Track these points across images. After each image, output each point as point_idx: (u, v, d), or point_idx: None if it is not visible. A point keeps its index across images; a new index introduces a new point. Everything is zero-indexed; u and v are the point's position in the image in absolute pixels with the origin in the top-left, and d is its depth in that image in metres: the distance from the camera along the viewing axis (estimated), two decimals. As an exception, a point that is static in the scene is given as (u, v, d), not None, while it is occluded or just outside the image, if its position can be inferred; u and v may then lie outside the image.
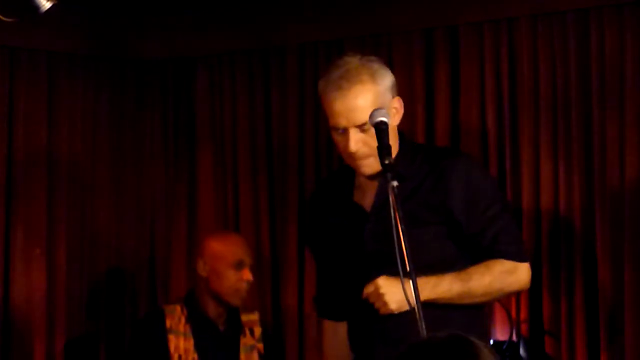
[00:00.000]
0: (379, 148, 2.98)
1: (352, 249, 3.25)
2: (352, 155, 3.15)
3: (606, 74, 4.41)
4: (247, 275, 4.31)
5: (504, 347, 4.42)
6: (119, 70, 5.42)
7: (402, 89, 4.85)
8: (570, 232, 4.47)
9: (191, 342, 4.28)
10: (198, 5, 5.31)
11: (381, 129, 3.02)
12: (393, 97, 3.21)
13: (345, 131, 3.14)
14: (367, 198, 3.25)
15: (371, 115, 3.05)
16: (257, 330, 4.43)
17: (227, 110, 5.35)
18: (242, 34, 5.31)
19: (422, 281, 3.05)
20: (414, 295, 2.81)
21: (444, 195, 3.17)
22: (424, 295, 3.04)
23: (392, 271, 2.93)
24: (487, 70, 4.68)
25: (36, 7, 3.61)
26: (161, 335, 4.26)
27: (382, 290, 3.07)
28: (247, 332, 4.41)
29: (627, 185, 4.35)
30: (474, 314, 3.24)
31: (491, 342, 4.38)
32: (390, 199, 2.86)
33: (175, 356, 4.24)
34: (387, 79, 3.20)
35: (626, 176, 4.35)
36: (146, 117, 5.49)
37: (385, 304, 3.08)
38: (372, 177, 3.21)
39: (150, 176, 5.47)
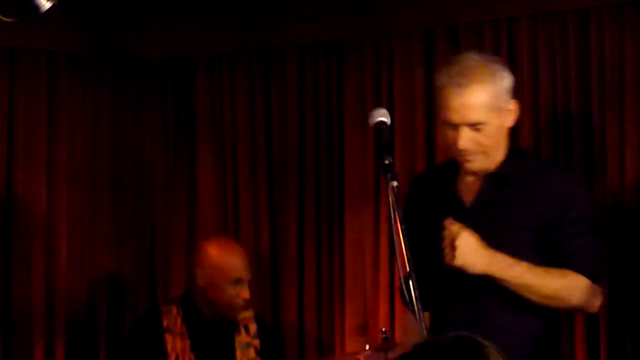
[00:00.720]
0: (377, 148, 2.99)
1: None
2: (460, 152, 3.16)
3: (606, 74, 4.40)
4: (245, 293, 4.24)
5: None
6: (119, 70, 5.42)
7: (402, 89, 4.90)
8: (570, 232, 4.46)
9: (187, 342, 4.26)
10: (198, 5, 5.31)
11: (381, 129, 3.01)
12: (510, 99, 3.21)
13: (456, 127, 3.14)
14: (469, 194, 3.25)
15: (371, 115, 3.05)
16: (252, 327, 4.40)
17: (227, 110, 5.35)
18: (242, 34, 5.31)
19: (500, 258, 3.09)
20: (414, 296, 2.81)
21: (540, 203, 3.18)
22: (495, 270, 3.08)
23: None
24: (487, 70, 4.67)
25: (36, 7, 3.61)
26: (158, 335, 4.24)
27: (458, 242, 3.05)
28: (242, 329, 4.39)
29: (627, 185, 4.34)
30: (551, 327, 3.26)
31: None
32: (390, 199, 2.86)
33: (173, 355, 4.23)
34: (506, 80, 3.20)
35: (626, 176, 4.35)
36: (146, 117, 5.49)
37: (453, 256, 3.07)
38: (477, 175, 3.23)
39: (150, 176, 5.47)
